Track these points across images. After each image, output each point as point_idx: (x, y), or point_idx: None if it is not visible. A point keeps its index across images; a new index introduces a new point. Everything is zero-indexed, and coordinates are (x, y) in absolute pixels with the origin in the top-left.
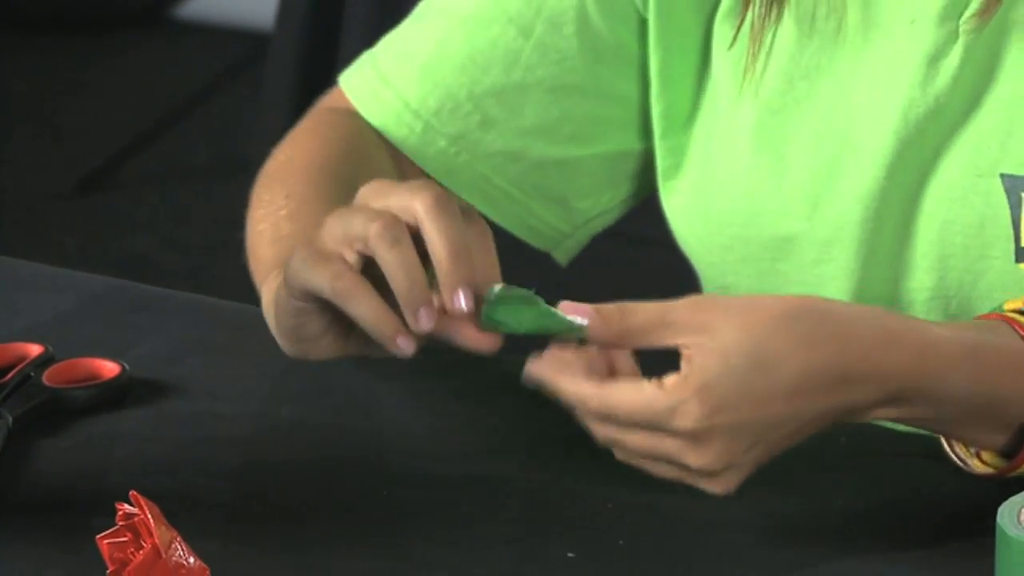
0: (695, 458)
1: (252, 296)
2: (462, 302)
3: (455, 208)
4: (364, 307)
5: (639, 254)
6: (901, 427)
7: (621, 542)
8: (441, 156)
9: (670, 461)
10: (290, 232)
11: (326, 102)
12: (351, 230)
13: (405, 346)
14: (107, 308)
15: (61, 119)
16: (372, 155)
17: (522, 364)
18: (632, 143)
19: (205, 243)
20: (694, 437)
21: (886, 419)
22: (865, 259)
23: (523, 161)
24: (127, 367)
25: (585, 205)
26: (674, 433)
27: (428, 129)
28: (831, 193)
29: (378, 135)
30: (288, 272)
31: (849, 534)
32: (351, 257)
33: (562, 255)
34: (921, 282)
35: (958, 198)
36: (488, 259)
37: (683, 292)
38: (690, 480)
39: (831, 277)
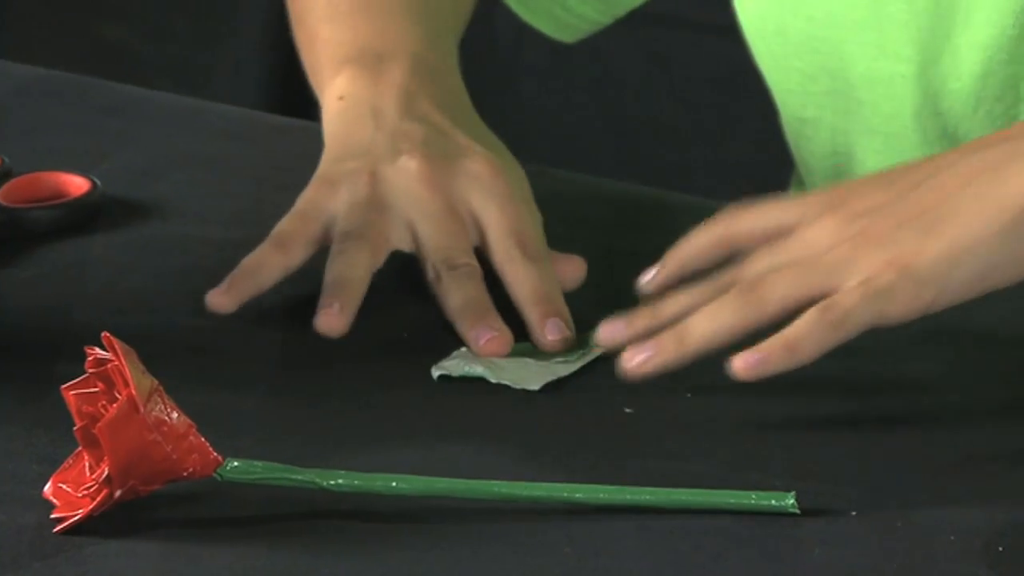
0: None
1: (248, 97)
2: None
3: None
4: (250, 259)
5: (702, 43)
6: None
7: None
8: None
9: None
10: (349, 8)
11: None
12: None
13: (214, 303)
14: (75, 111)
15: None
16: None
17: None
18: None
19: (194, 31)
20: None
21: None
22: (976, 115)
23: None
24: (98, 183)
25: None
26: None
27: None
28: (946, 40)
29: None
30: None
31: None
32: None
33: (571, 36)
34: None
35: None
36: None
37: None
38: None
39: (938, 133)
